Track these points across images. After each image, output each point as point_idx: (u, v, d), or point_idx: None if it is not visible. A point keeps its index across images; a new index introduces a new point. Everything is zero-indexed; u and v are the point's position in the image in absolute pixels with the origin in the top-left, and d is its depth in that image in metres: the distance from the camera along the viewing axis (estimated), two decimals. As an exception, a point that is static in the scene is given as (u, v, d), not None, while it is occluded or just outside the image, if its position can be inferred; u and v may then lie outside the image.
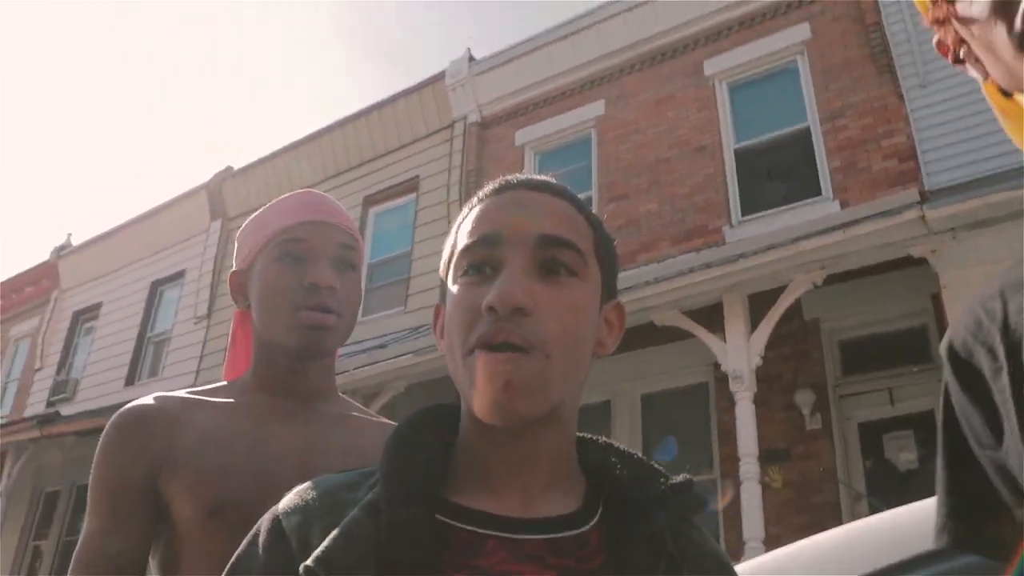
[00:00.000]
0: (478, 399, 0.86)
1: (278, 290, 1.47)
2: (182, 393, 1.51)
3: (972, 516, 0.93)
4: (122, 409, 1.46)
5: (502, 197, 0.95)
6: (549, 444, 0.92)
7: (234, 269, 1.59)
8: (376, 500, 0.85)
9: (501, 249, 0.90)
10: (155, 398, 1.47)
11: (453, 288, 0.92)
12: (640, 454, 1.00)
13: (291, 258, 1.49)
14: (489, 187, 0.98)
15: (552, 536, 0.87)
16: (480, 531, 0.86)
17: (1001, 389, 0.85)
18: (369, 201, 12.53)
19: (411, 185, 12.14)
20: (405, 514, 0.83)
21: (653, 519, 0.90)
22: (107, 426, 1.43)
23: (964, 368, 0.91)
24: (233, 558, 0.91)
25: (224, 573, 0.91)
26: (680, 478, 0.95)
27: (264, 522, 0.90)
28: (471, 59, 12.15)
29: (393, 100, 12.69)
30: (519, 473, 0.91)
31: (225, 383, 1.60)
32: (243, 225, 1.60)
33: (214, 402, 1.49)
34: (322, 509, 0.87)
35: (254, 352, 1.56)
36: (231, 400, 1.50)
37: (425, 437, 0.94)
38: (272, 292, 1.48)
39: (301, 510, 0.88)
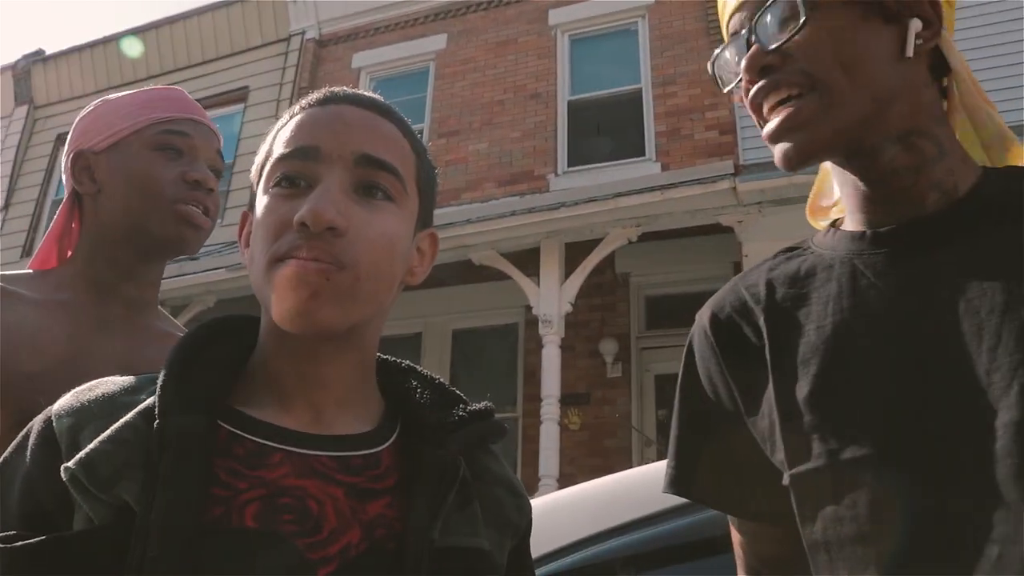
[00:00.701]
0: (280, 305, 0.84)
1: (157, 179, 1.39)
2: None
3: (695, 468, 1.03)
4: None
5: (326, 109, 0.91)
6: (345, 363, 0.91)
7: (81, 149, 1.45)
8: (152, 405, 0.82)
9: (319, 164, 0.87)
10: None
11: (263, 197, 0.89)
12: (443, 380, 1.01)
13: (172, 150, 1.42)
14: (313, 96, 0.94)
15: (342, 454, 0.87)
16: (266, 443, 0.84)
17: (762, 364, 0.94)
18: (193, 106, 11.98)
19: (239, 95, 11.68)
20: (180, 420, 0.80)
21: (447, 443, 0.90)
22: None
23: (725, 338, 0.99)
24: (3, 454, 0.86)
25: None
26: (481, 405, 0.97)
27: (36, 423, 0.85)
28: (316, -27, 11.76)
29: (230, 3, 12.12)
30: (312, 389, 0.89)
31: (31, 272, 1.45)
32: (94, 105, 1.50)
33: (23, 295, 1.34)
34: (97, 412, 0.83)
35: (86, 245, 1.44)
36: (41, 296, 1.36)
37: (217, 346, 0.91)
38: (150, 180, 1.39)
39: (75, 412, 0.83)
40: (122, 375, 0.91)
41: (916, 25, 0.90)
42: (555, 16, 10.21)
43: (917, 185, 0.91)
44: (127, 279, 1.43)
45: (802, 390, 0.88)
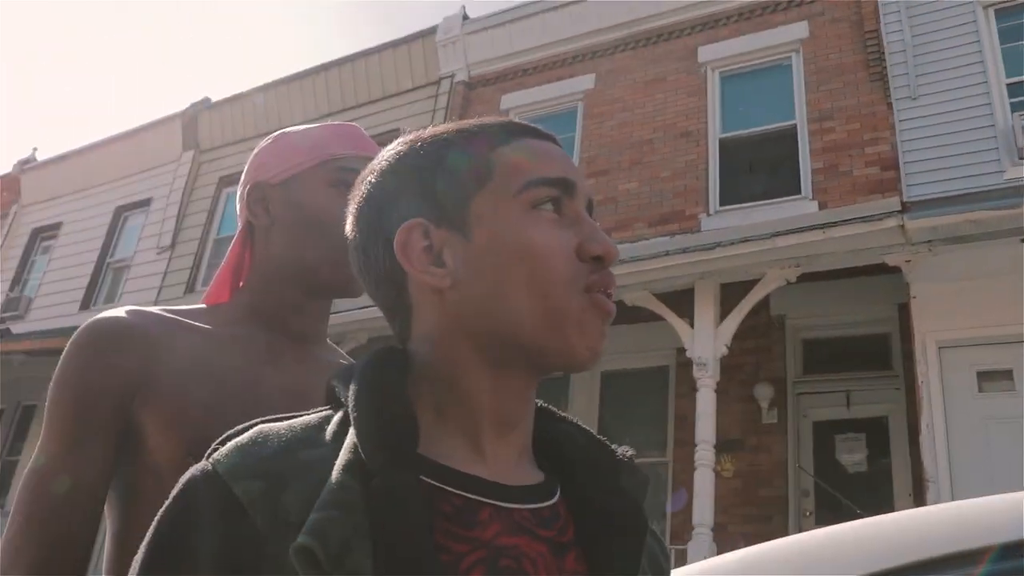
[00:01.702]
0: (586, 339, 0.82)
1: (330, 215, 1.35)
2: (157, 310, 1.36)
3: None
4: (92, 320, 1.30)
5: (555, 147, 0.90)
6: (532, 405, 0.89)
7: (258, 181, 1.43)
8: (359, 462, 0.73)
9: (573, 200, 0.87)
10: (129, 312, 1.32)
11: (527, 215, 0.84)
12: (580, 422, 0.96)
13: (347, 188, 1.42)
14: (524, 125, 0.91)
15: (536, 506, 0.82)
16: (474, 497, 0.79)
17: None
18: (347, 149, 12.39)
19: (391, 137, 11.63)
20: (395, 478, 0.73)
21: (628, 490, 0.87)
22: (74, 337, 1.28)
23: None
24: (160, 530, 0.75)
25: (146, 549, 0.75)
26: (629, 451, 0.92)
27: (199, 485, 0.75)
28: (465, 17, 12.03)
29: (382, 49, 12.53)
30: (510, 432, 0.85)
31: (204, 307, 1.45)
32: (273, 137, 1.49)
33: (198, 327, 1.35)
34: (288, 471, 0.74)
35: (256, 278, 1.43)
36: (214, 328, 1.36)
37: (394, 386, 0.82)
38: (324, 215, 1.37)
39: (260, 473, 0.73)
40: (291, 404, 0.89)
41: None
42: (705, 53, 10.08)
43: None
44: (296, 312, 1.41)
45: None
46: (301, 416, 0.82)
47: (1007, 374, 7.30)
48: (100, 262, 14.43)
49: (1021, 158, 7.58)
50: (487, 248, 0.83)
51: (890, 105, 8.61)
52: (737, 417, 8.40)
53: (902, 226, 7.14)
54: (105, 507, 1.27)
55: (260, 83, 13.60)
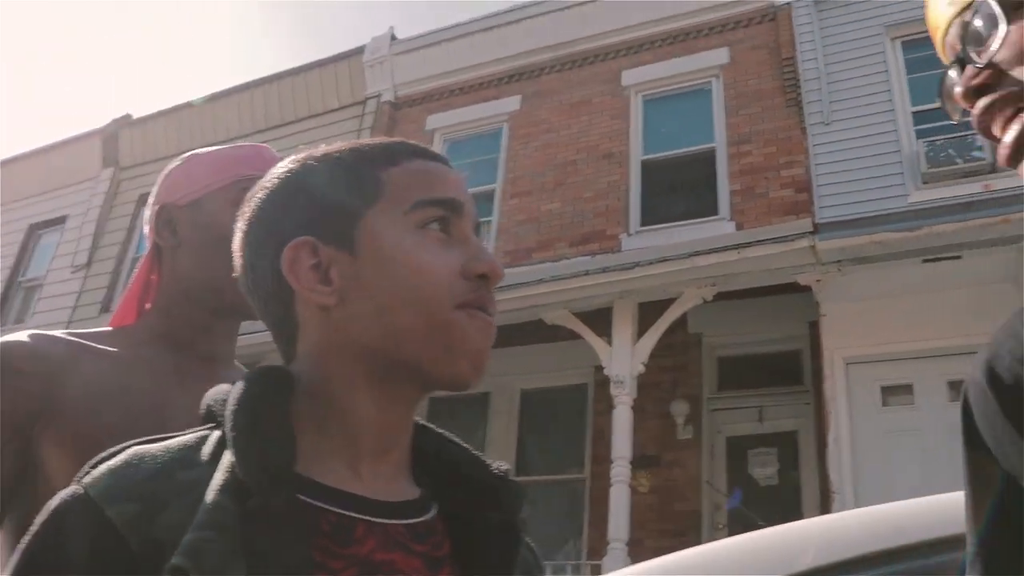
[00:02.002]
0: (466, 356, 0.83)
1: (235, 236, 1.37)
2: (61, 334, 1.34)
3: (1003, 547, 0.84)
4: None
5: (444, 167, 0.92)
6: (412, 420, 0.90)
7: (166, 202, 1.42)
8: (236, 481, 0.73)
9: (461, 219, 0.88)
10: (32, 335, 1.29)
11: (413, 235, 0.85)
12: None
13: None
14: (416, 146, 0.93)
15: (411, 521, 0.83)
16: (349, 514, 0.79)
17: None
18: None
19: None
20: (272, 497, 0.73)
21: (504, 505, 0.88)
22: None
23: (1009, 394, 0.83)
24: (27, 556, 0.74)
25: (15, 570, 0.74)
26: (505, 466, 0.92)
27: (70, 508, 0.74)
28: (393, 38, 12.06)
29: (308, 68, 12.48)
30: (390, 448, 0.86)
31: (110, 329, 1.43)
32: (183, 158, 1.48)
33: (104, 350, 1.32)
34: (164, 493, 0.73)
35: (163, 299, 1.42)
36: (121, 351, 1.34)
37: (274, 404, 0.82)
38: (229, 237, 1.37)
39: (134, 496, 0.72)
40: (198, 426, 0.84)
41: None
42: (628, 77, 10.26)
43: None
44: (203, 333, 1.40)
45: None
46: (178, 436, 0.81)
47: (908, 388, 7.54)
48: (11, 280, 14.00)
49: (925, 183, 7.86)
50: (374, 266, 0.84)
51: (804, 130, 8.86)
52: (653, 433, 8.50)
53: (813, 247, 7.35)
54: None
55: (184, 100, 13.45)
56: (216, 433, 0.80)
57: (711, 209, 9.09)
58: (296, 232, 0.85)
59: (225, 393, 0.83)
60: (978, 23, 0.81)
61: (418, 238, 0.85)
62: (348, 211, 0.86)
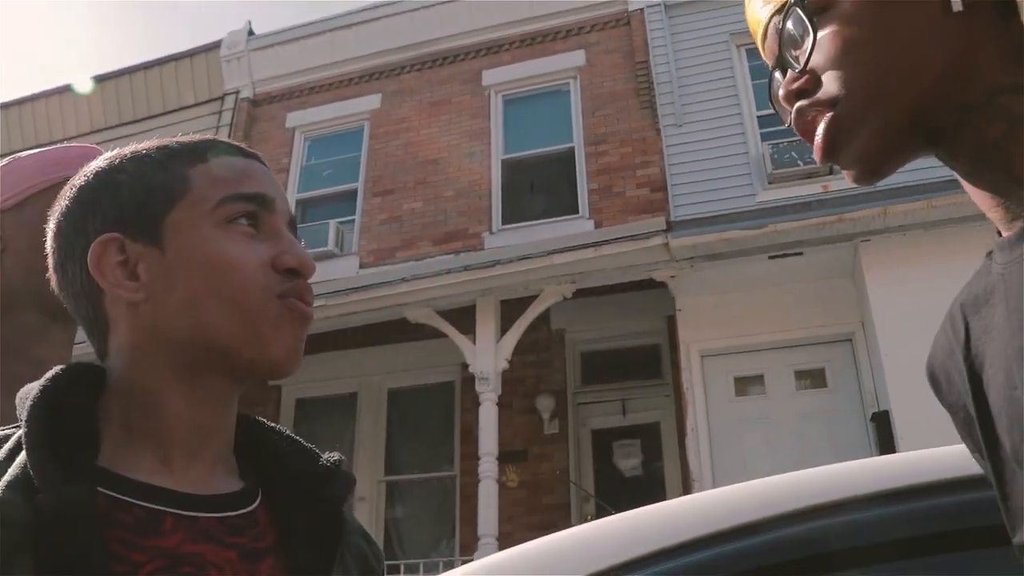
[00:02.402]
0: (282, 343, 0.85)
1: None
2: None
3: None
4: None
5: (255, 164, 0.93)
6: (233, 414, 0.91)
7: None
8: (27, 478, 0.73)
9: (271, 215, 0.89)
10: None
11: (221, 231, 0.86)
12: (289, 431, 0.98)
13: None
14: (227, 143, 0.94)
15: (226, 514, 0.84)
16: (155, 507, 0.79)
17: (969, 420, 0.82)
18: (124, 165, 11.85)
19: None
20: (65, 493, 0.72)
21: (327, 495, 0.90)
22: None
23: (944, 395, 0.87)
24: None
25: None
26: (336, 456, 0.94)
27: None
28: (251, 33, 11.79)
29: (163, 62, 12.07)
30: (204, 442, 0.86)
31: None
32: (6, 161, 1.45)
33: None
34: None
35: None
36: None
37: (74, 399, 0.82)
38: None
39: None
40: None
41: None
42: (489, 77, 10.38)
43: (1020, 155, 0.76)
44: (37, 341, 1.35)
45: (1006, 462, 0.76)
46: None
47: (759, 379, 7.97)
48: None
49: (770, 183, 8.29)
50: (181, 261, 0.84)
51: (659, 131, 9.18)
52: (520, 429, 8.67)
53: (667, 244, 7.66)
54: None
55: (25, 94, 12.79)
56: (19, 432, 0.79)
57: (571, 207, 9.31)
58: (104, 230, 0.86)
59: (28, 391, 0.83)
60: (791, 27, 0.83)
61: (225, 232, 0.86)
62: (154, 208, 0.86)
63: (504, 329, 8.04)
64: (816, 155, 0.84)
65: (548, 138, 9.95)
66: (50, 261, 0.92)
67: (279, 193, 0.92)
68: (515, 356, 8.06)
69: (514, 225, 9.39)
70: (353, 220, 9.95)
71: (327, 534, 0.88)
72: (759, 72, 9.14)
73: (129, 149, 0.92)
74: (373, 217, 9.93)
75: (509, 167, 9.88)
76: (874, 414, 7.27)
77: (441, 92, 10.54)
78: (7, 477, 0.73)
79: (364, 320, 8.38)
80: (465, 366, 8.16)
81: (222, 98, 11.65)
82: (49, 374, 0.83)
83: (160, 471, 0.82)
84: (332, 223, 9.67)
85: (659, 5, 9.78)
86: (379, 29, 11.03)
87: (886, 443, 6.94)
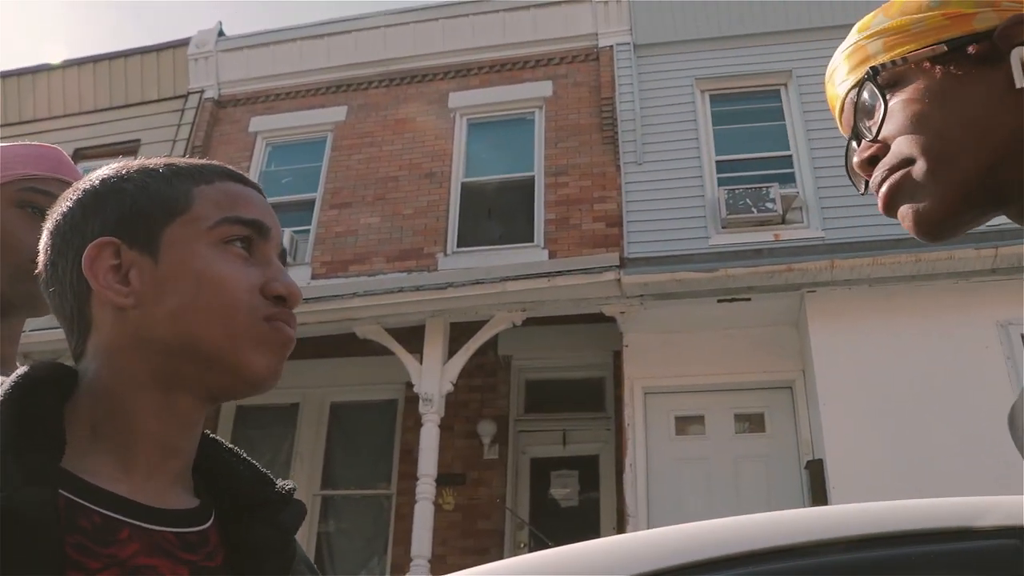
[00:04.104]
0: (263, 362, 0.87)
1: (17, 238, 1.35)
2: None
3: None
4: None
5: (255, 193, 0.96)
6: (199, 432, 0.92)
7: None
8: None
9: (266, 242, 0.92)
10: None
11: (216, 249, 0.89)
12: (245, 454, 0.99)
13: (36, 210, 1.37)
14: (231, 170, 0.97)
15: (181, 530, 0.84)
16: (115, 516, 0.79)
17: None
18: (81, 154, 11.70)
19: (130, 148, 11.44)
20: (26, 494, 0.73)
21: (280, 522, 0.91)
22: None
23: (1018, 442, 0.91)
24: None
25: None
26: (290, 484, 0.95)
27: None
28: (220, 33, 11.74)
29: (129, 54, 11.96)
30: (167, 457, 0.87)
31: None
32: None
33: None
34: None
35: None
36: None
37: (44, 401, 0.82)
38: (6, 238, 1.36)
39: None
40: None
41: (1021, 53, 0.82)
42: (455, 99, 10.43)
43: None
44: None
45: None
46: None
47: (700, 419, 8.09)
48: None
49: (724, 227, 8.44)
50: (174, 273, 0.86)
51: (619, 167, 9.29)
52: (460, 452, 8.68)
53: (619, 280, 7.76)
54: None
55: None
56: None
57: (526, 236, 9.37)
58: (102, 233, 0.87)
59: None
60: (866, 98, 0.91)
61: (219, 252, 0.88)
62: (155, 219, 0.88)
63: (452, 351, 8.06)
64: (881, 205, 0.91)
65: (510, 165, 10.02)
66: (40, 257, 0.93)
67: (275, 224, 0.95)
68: (460, 379, 8.08)
69: (469, 248, 9.42)
70: (308, 230, 9.91)
71: (277, 561, 0.90)
72: (721, 118, 9.33)
73: (137, 162, 0.94)
74: (329, 229, 9.90)
75: (469, 190, 9.92)
76: (809, 462, 7.41)
77: (407, 110, 10.56)
78: None
79: (312, 332, 8.33)
80: (410, 385, 8.15)
81: (186, 96, 11.57)
82: (19, 371, 0.83)
83: (120, 479, 0.82)
84: (287, 231, 9.62)
85: (628, 44, 9.94)
86: (350, 42, 11.05)
87: (818, 491, 7.08)
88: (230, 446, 0.98)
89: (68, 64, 12.15)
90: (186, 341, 0.85)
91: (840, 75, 0.95)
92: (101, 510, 0.78)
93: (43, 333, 8.29)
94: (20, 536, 0.71)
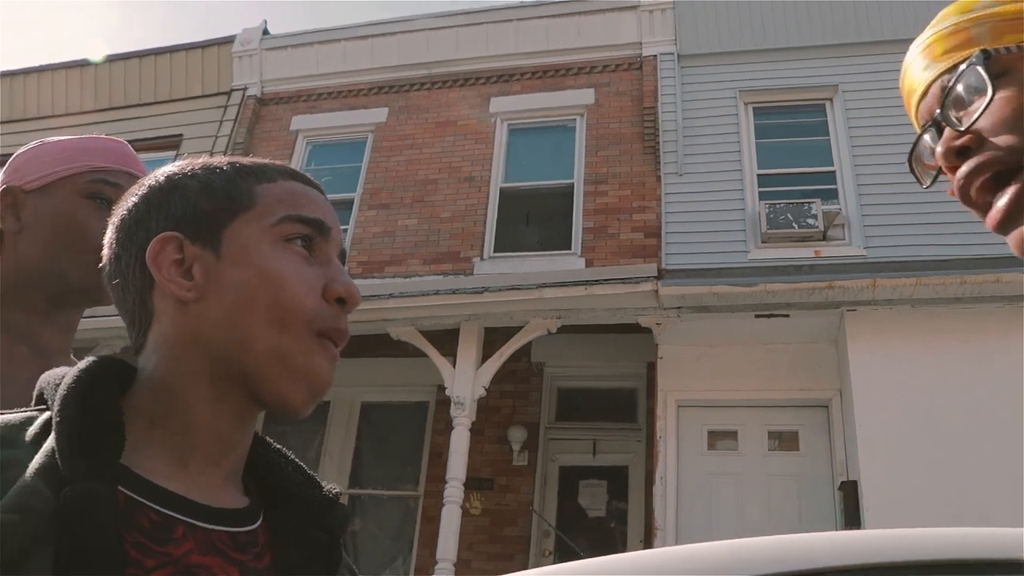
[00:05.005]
0: (312, 379, 0.86)
1: (81, 226, 1.38)
2: None
3: None
4: None
5: (317, 193, 0.95)
6: (251, 431, 0.92)
7: (11, 185, 1.42)
8: (55, 467, 0.73)
9: (326, 242, 0.92)
10: None
11: (278, 248, 0.88)
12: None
13: (104, 201, 1.40)
14: (294, 170, 0.97)
15: (233, 529, 0.84)
16: (171, 514, 0.79)
17: None
18: (124, 147, 11.84)
19: (172, 142, 11.58)
20: (89, 488, 0.72)
21: (328, 524, 0.91)
22: None
23: None
24: None
25: None
26: (336, 488, 0.95)
27: None
28: (265, 32, 11.84)
29: (175, 50, 12.10)
30: (223, 455, 0.87)
31: None
32: (34, 144, 1.48)
33: None
34: None
35: (1, 284, 1.38)
36: None
37: (104, 395, 0.82)
38: (78, 228, 1.38)
39: None
40: None
41: None
42: (496, 104, 10.44)
43: None
44: (39, 324, 1.38)
45: None
46: (3, 414, 0.81)
47: (733, 435, 8.01)
48: None
49: (764, 242, 8.36)
50: (236, 269, 0.86)
51: (659, 178, 9.24)
52: (489, 457, 8.66)
53: (656, 291, 7.70)
54: None
55: (41, 63, 12.75)
56: (44, 416, 0.80)
57: (564, 243, 9.35)
58: (166, 228, 0.88)
59: (58, 376, 0.83)
60: (960, 88, 0.83)
61: (280, 250, 0.88)
62: (217, 214, 0.88)
63: (485, 356, 8.05)
64: (994, 217, 0.82)
65: (549, 172, 10.00)
66: (105, 251, 0.93)
67: (335, 224, 0.94)
68: (492, 384, 8.06)
69: (506, 254, 9.42)
70: (346, 230, 9.95)
71: (324, 563, 0.89)
72: (764, 131, 9.25)
73: (201, 160, 0.95)
74: (367, 229, 9.93)
75: (507, 196, 9.92)
76: (843, 483, 7.31)
77: (448, 113, 10.59)
78: (35, 464, 0.73)
79: (346, 331, 8.35)
80: (442, 388, 8.15)
81: (229, 93, 11.67)
82: (82, 364, 0.84)
83: (176, 475, 0.82)
84: (329, 231, 9.65)
85: (672, 54, 9.89)
86: (393, 44, 11.10)
87: (851, 513, 6.98)
88: (278, 447, 0.97)
89: (114, 58, 12.31)
90: (237, 342, 0.84)
91: (929, 57, 0.88)
92: (158, 507, 0.78)
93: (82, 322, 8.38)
94: (82, 531, 0.70)
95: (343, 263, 0.94)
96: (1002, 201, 0.81)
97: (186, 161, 0.95)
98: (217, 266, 0.87)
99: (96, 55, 12.23)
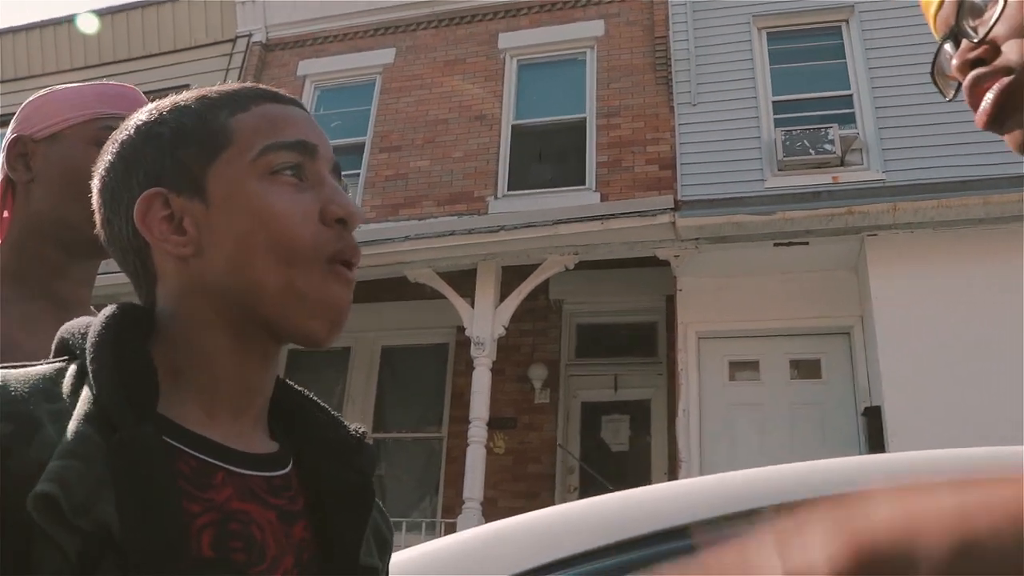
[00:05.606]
0: (321, 316, 0.83)
1: (89, 174, 1.33)
2: None
3: None
4: None
5: (295, 110, 0.91)
6: (275, 373, 0.90)
7: (21, 135, 1.39)
8: (99, 414, 0.72)
9: (315, 162, 0.87)
10: None
11: (266, 182, 0.84)
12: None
13: None
14: (265, 90, 0.91)
15: (268, 474, 0.83)
16: (209, 460, 0.78)
17: None
18: (130, 100, 11.76)
19: (178, 92, 11.50)
20: (138, 433, 0.72)
21: (357, 464, 0.89)
22: None
23: None
24: None
25: None
26: (362, 428, 0.94)
27: None
28: (267, -24, 11.65)
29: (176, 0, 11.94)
30: (250, 398, 0.86)
31: None
32: (43, 92, 1.45)
33: None
34: (37, 415, 0.71)
35: (14, 236, 1.36)
36: None
37: (135, 341, 0.80)
38: (82, 174, 1.24)
39: (7, 416, 0.70)
40: None
41: None
42: (505, 40, 10.27)
43: None
44: (57, 276, 1.36)
45: None
46: (34, 366, 0.79)
47: (754, 365, 7.99)
48: None
49: (780, 169, 8.24)
50: (226, 215, 0.83)
51: (672, 108, 9.10)
52: (511, 396, 8.69)
53: (673, 223, 7.63)
54: None
55: (42, 18, 12.64)
56: (74, 366, 0.79)
57: (578, 179, 9.26)
58: (147, 184, 0.84)
59: (83, 326, 0.82)
60: None
61: (267, 185, 0.84)
62: (197, 160, 0.84)
63: (503, 295, 8.02)
64: (979, 120, 0.80)
65: (560, 107, 9.87)
66: (96, 217, 0.90)
67: (321, 139, 0.90)
68: (511, 323, 8.04)
69: (520, 192, 9.35)
70: (358, 174, 9.89)
71: (358, 503, 0.88)
72: (779, 57, 9.06)
73: (168, 100, 0.89)
74: (379, 173, 9.87)
75: (519, 133, 9.81)
76: (866, 408, 7.29)
77: (456, 52, 10.43)
78: (80, 413, 0.72)
79: (363, 276, 8.30)
80: (461, 329, 8.15)
81: (234, 40, 11.53)
82: (106, 311, 0.82)
83: (206, 423, 0.81)
84: (337, 175, 9.61)
85: (682, -20, 9.68)
86: (398, -18, 10.91)
87: (876, 438, 6.97)
88: (300, 389, 0.95)
89: (115, 10, 12.16)
90: (247, 289, 0.82)
91: None
92: (197, 454, 0.78)
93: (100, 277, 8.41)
94: (142, 474, 0.71)
95: (338, 177, 0.90)
96: (986, 101, 0.78)
97: (152, 105, 0.90)
98: (207, 215, 0.83)
99: (88, 26, 12.05)
